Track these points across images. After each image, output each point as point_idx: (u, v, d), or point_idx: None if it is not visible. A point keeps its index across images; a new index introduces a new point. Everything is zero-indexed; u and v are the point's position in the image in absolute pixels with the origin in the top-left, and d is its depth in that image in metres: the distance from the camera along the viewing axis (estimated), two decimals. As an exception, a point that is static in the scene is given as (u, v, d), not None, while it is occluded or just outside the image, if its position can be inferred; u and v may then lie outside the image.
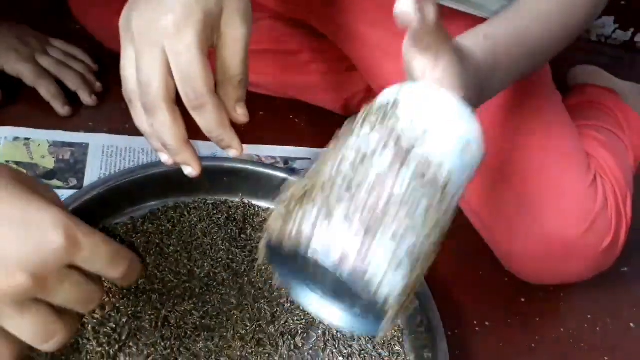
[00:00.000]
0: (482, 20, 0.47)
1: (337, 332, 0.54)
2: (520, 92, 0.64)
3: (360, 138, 0.34)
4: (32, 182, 0.33)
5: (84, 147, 0.65)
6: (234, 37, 0.42)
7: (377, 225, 0.31)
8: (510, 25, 0.46)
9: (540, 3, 0.48)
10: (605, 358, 0.62)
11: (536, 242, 0.60)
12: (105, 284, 0.50)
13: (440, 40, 0.35)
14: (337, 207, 0.31)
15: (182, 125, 0.41)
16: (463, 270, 0.66)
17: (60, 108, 0.67)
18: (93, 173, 0.63)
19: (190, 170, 0.43)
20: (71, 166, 0.63)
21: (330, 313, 0.39)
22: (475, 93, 0.40)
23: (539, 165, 0.61)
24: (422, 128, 0.33)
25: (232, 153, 0.43)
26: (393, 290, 0.31)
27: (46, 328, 0.31)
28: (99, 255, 0.33)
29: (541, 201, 0.60)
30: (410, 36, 0.34)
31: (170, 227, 0.57)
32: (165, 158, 0.44)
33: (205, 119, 0.40)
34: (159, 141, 0.42)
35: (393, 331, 0.56)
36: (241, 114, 0.44)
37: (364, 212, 0.31)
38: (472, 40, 0.42)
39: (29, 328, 0.31)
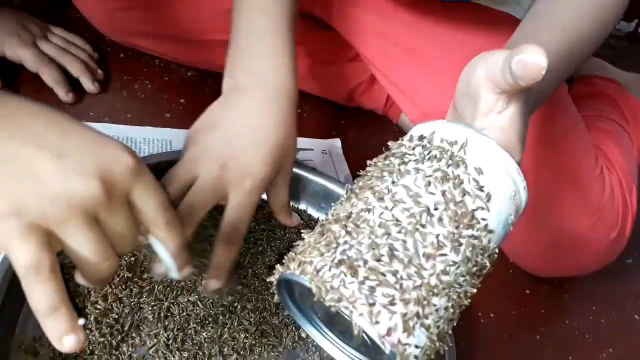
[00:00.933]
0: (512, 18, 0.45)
1: (341, 323, 0.54)
2: None
3: (411, 186, 0.32)
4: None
5: (85, 137, 0.64)
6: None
7: (427, 303, 0.30)
8: (555, 49, 0.41)
9: (575, 20, 0.44)
10: (610, 350, 0.62)
11: (544, 234, 0.59)
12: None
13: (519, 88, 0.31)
14: (387, 279, 0.30)
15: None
16: (467, 262, 0.65)
17: (64, 94, 0.67)
18: (94, 163, 0.62)
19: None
20: (72, 156, 0.62)
21: (331, 346, 0.40)
22: None
23: (547, 163, 0.61)
24: (486, 193, 0.32)
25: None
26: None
27: (104, 249, 0.31)
28: (157, 193, 0.33)
29: (548, 194, 0.59)
30: (498, 72, 0.31)
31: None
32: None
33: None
34: None
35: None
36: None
37: (415, 290, 0.30)
38: None
39: (92, 243, 0.31)
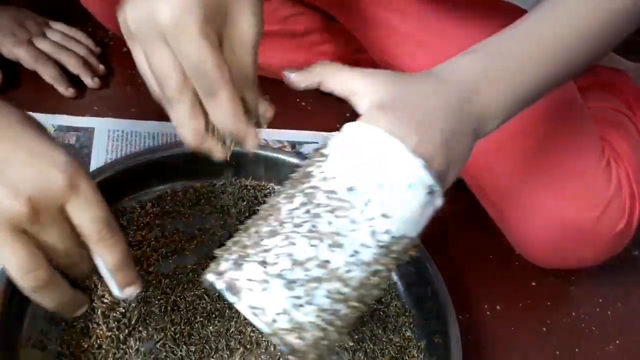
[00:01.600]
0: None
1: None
2: None
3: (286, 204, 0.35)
4: (43, 127, 0.35)
5: (89, 132, 0.64)
6: (243, 30, 0.38)
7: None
8: (513, 33, 0.42)
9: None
10: (617, 342, 0.62)
11: (550, 226, 0.59)
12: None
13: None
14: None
15: (199, 117, 0.38)
16: (473, 254, 0.65)
17: (64, 90, 0.67)
18: (99, 157, 0.62)
19: (216, 156, 0.41)
20: (77, 151, 0.62)
21: None
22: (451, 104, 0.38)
23: (552, 151, 0.60)
24: (375, 183, 0.34)
25: (249, 146, 0.40)
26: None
27: (31, 262, 0.32)
28: (92, 207, 0.34)
29: (554, 186, 0.59)
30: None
31: (179, 211, 0.57)
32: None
33: (220, 110, 0.37)
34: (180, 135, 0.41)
35: (404, 317, 0.55)
36: (265, 109, 0.42)
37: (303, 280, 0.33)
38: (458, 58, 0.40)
39: (16, 257, 0.31)
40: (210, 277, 0.34)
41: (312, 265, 0.33)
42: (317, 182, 0.35)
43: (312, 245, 0.33)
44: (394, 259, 0.35)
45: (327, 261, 0.33)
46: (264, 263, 0.33)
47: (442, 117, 0.37)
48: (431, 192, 0.35)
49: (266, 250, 0.33)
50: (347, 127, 0.36)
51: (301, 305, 0.33)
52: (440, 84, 0.39)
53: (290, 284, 0.32)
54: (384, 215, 0.34)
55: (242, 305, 0.33)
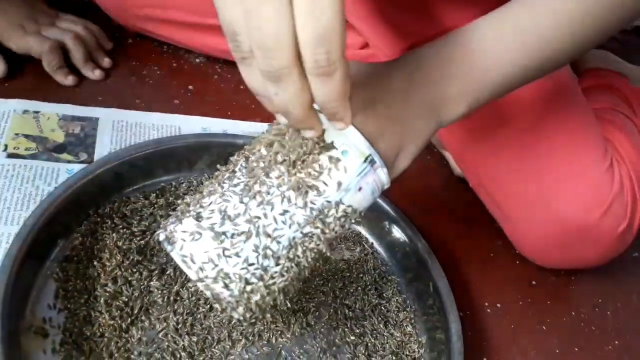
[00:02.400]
0: None
1: (349, 311, 0.54)
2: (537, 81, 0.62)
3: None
4: None
5: (93, 122, 0.64)
6: None
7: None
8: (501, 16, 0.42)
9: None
10: (616, 342, 0.62)
11: (552, 226, 0.59)
12: (118, 258, 0.50)
13: None
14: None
15: (308, 89, 0.32)
16: (474, 252, 0.66)
17: (63, 79, 0.66)
18: (103, 148, 0.62)
19: (312, 133, 0.36)
20: (81, 140, 0.62)
21: None
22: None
23: (555, 151, 0.60)
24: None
25: (340, 126, 0.35)
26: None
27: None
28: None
29: (557, 186, 0.59)
30: None
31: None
32: (283, 120, 0.37)
33: (329, 89, 0.31)
34: (280, 108, 0.34)
35: (405, 312, 0.56)
36: None
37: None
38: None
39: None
40: (159, 232, 0.37)
41: (242, 221, 0.35)
42: (258, 146, 0.37)
43: (242, 202, 0.35)
44: (331, 225, 0.37)
45: (257, 217, 0.35)
46: (198, 217, 0.36)
47: (397, 98, 0.38)
48: (369, 162, 0.37)
49: (202, 207, 0.36)
50: None
51: (228, 257, 0.35)
52: (407, 74, 0.39)
53: (220, 236, 0.35)
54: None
55: (174, 253, 0.35)
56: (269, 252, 0.35)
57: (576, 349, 0.60)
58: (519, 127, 0.61)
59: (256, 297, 0.36)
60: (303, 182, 0.36)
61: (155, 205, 0.56)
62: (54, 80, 0.67)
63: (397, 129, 0.38)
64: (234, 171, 0.37)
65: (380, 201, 0.60)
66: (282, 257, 0.36)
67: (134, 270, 0.50)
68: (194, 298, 0.50)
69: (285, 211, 0.35)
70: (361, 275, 0.57)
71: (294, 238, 0.36)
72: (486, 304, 0.61)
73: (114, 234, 0.52)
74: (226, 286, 0.35)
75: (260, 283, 0.36)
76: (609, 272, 0.66)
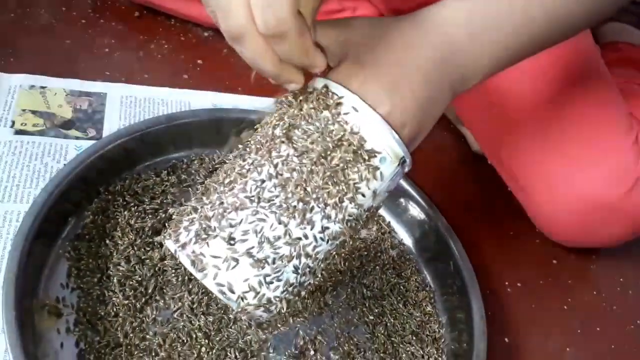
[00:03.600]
0: None
1: (367, 290, 0.53)
2: (559, 52, 0.60)
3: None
4: None
5: (101, 97, 0.62)
6: None
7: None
8: None
9: None
10: (638, 321, 0.61)
11: (575, 203, 0.57)
12: (130, 236, 0.49)
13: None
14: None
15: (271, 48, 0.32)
16: (494, 231, 0.64)
17: None
18: (112, 124, 0.60)
19: (294, 86, 0.35)
20: (89, 116, 0.60)
21: None
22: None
23: (579, 125, 0.58)
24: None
25: (315, 70, 0.34)
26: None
27: None
28: None
29: (581, 161, 0.57)
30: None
31: (195, 180, 0.55)
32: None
33: (286, 48, 0.32)
34: (252, 66, 0.34)
35: (424, 292, 0.54)
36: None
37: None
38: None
39: None
40: (170, 245, 0.33)
41: (282, 243, 0.32)
42: (285, 149, 0.33)
43: (280, 223, 0.32)
44: (358, 229, 0.35)
45: (298, 238, 0.33)
46: (231, 239, 0.32)
47: (419, 79, 0.36)
48: (402, 163, 0.35)
49: (232, 226, 0.32)
50: (319, 82, 0.35)
51: (270, 283, 0.33)
52: (422, 35, 0.37)
53: (258, 262, 0.32)
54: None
55: (208, 281, 0.33)
56: (308, 270, 0.34)
57: (598, 329, 0.59)
58: (541, 101, 0.59)
59: (291, 311, 0.35)
60: (343, 196, 0.33)
61: (167, 183, 0.54)
62: (61, 55, 0.65)
63: (418, 114, 0.36)
64: (263, 180, 0.33)
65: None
66: (318, 270, 0.34)
67: (147, 249, 0.49)
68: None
69: (325, 228, 0.33)
70: (379, 254, 0.56)
71: (329, 251, 0.34)
72: (507, 283, 0.60)
73: (125, 212, 0.50)
74: (267, 310, 0.34)
75: (297, 299, 0.35)
76: (631, 250, 0.65)
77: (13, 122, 0.56)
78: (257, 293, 0.33)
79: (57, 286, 0.45)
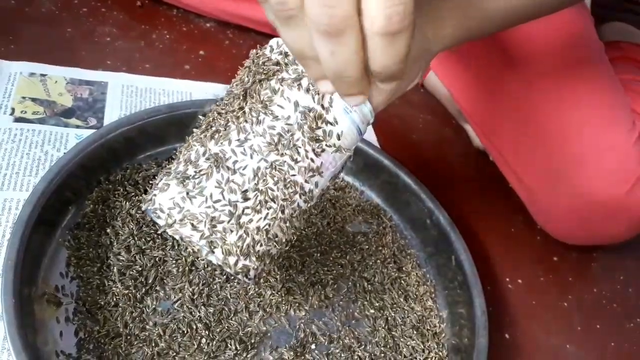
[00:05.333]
0: None
1: (367, 284, 0.52)
2: (563, 49, 0.60)
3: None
4: None
5: (102, 86, 0.62)
6: None
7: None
8: None
9: None
10: (638, 319, 0.61)
11: (576, 200, 0.57)
12: (130, 226, 0.48)
13: None
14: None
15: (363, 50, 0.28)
16: (495, 227, 0.64)
17: None
18: (112, 113, 0.59)
19: (362, 99, 0.31)
20: (90, 105, 0.59)
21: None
22: None
23: (581, 123, 0.58)
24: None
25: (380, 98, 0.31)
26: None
27: None
28: None
29: (583, 158, 0.57)
30: None
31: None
32: (326, 88, 0.32)
33: (397, 48, 0.27)
34: (334, 70, 0.29)
35: (425, 286, 0.54)
36: None
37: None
38: None
39: None
40: (146, 209, 0.36)
41: (202, 161, 0.34)
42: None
43: (202, 145, 0.35)
44: (301, 152, 0.35)
45: (215, 154, 0.34)
46: (168, 172, 0.36)
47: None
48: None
49: (177, 162, 0.36)
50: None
51: (192, 197, 0.34)
52: None
53: (184, 181, 0.34)
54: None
55: (150, 212, 0.35)
56: (233, 185, 0.34)
57: (598, 326, 0.59)
58: (544, 98, 0.59)
59: (232, 237, 0.34)
60: (256, 109, 0.34)
61: (168, 173, 0.54)
62: (62, 43, 0.64)
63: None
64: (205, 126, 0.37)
65: (399, 173, 0.58)
66: (249, 190, 0.34)
67: (148, 239, 0.48)
68: (209, 268, 0.48)
69: (242, 141, 0.34)
70: (380, 248, 0.56)
71: (258, 168, 0.34)
72: (507, 279, 0.59)
73: (126, 202, 0.50)
74: (194, 227, 0.34)
75: (233, 220, 0.34)
76: (631, 248, 0.65)
77: (13, 110, 0.56)
78: (182, 208, 0.34)
79: (57, 275, 0.45)
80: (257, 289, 0.48)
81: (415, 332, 0.50)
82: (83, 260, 0.46)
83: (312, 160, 0.35)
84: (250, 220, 0.34)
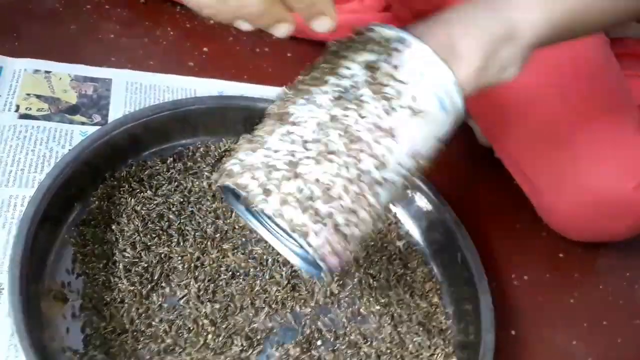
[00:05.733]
0: None
1: (373, 281, 0.52)
2: (570, 46, 0.59)
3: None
4: None
5: (106, 83, 0.62)
6: None
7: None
8: None
9: None
10: (644, 316, 0.60)
11: (582, 197, 0.57)
12: (136, 222, 0.48)
13: None
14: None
15: None
16: (500, 224, 0.64)
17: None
18: (117, 110, 0.59)
19: (284, 29, 0.31)
20: (94, 102, 0.59)
21: (283, 248, 0.39)
22: None
23: (589, 119, 0.58)
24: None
25: (325, 23, 0.31)
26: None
27: None
28: None
29: (589, 155, 0.57)
30: None
31: (201, 168, 0.55)
32: (246, 26, 0.31)
33: None
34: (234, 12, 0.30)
35: (431, 283, 0.54)
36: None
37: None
38: None
39: None
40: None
41: (268, 122, 0.35)
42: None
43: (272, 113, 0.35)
44: (359, 110, 0.34)
45: (281, 112, 0.34)
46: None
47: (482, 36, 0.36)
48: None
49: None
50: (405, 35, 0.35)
51: (254, 150, 0.33)
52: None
53: (250, 140, 0.34)
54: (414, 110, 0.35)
55: (220, 172, 0.34)
56: (294, 137, 0.33)
57: (604, 323, 0.58)
58: (550, 95, 0.59)
59: (289, 185, 0.31)
60: (323, 70, 0.34)
61: (173, 170, 0.54)
62: (66, 40, 0.64)
63: (482, 70, 0.38)
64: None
65: (403, 170, 0.57)
66: (310, 141, 0.32)
67: (153, 235, 0.48)
68: (215, 265, 0.48)
69: (308, 100, 0.34)
70: (385, 245, 0.56)
71: (321, 121, 0.33)
72: (513, 276, 0.59)
73: (131, 199, 0.50)
74: (253, 176, 0.32)
75: (290, 168, 0.32)
76: (637, 245, 0.64)
77: (17, 106, 0.56)
78: (242, 160, 0.33)
79: (63, 272, 0.45)
80: (262, 285, 0.48)
81: (421, 328, 0.50)
82: (89, 256, 0.46)
83: (379, 116, 0.33)
84: (310, 172, 0.32)
